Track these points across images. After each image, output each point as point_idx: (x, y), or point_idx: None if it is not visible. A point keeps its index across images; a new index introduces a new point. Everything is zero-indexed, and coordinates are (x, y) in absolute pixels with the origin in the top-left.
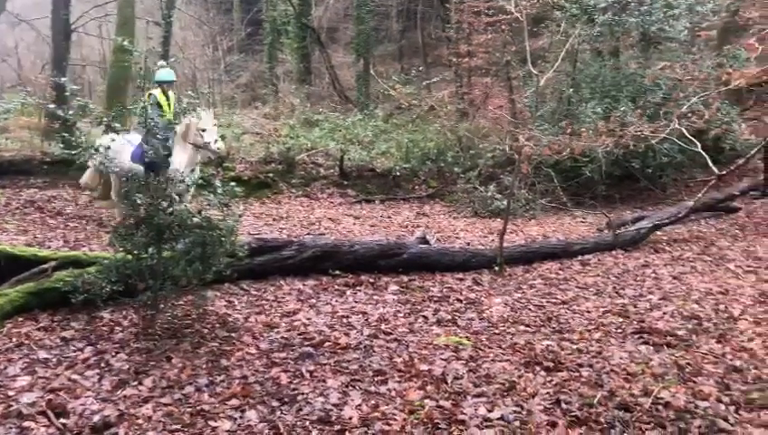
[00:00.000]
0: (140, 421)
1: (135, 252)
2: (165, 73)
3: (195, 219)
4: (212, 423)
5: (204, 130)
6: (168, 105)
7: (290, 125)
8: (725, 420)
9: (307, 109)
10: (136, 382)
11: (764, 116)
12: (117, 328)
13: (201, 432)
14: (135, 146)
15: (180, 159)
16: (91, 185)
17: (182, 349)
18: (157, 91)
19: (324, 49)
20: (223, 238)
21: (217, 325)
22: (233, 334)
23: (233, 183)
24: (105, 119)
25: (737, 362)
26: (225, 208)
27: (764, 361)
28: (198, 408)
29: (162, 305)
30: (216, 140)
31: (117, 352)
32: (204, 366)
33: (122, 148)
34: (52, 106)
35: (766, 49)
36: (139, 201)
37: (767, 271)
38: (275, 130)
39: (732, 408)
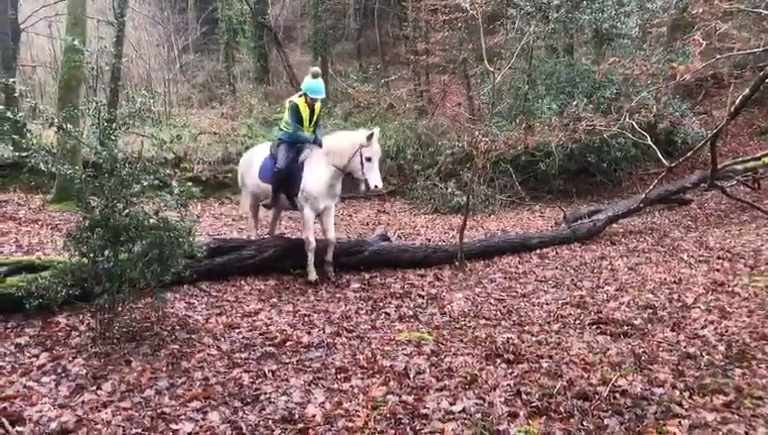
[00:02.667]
0: (99, 426)
1: (90, 255)
2: (312, 86)
3: (152, 220)
4: (173, 426)
5: (369, 160)
6: (310, 118)
7: (248, 125)
8: (680, 405)
9: (265, 108)
10: (94, 387)
11: (713, 110)
12: (74, 333)
13: None
14: (264, 160)
15: (316, 179)
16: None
17: (141, 352)
18: (298, 100)
19: (281, 48)
20: (181, 239)
21: (177, 327)
22: (193, 336)
23: (190, 183)
24: (56, 120)
25: (691, 349)
26: (182, 209)
27: (716, 347)
28: (159, 411)
29: (120, 309)
30: (376, 179)
31: (74, 358)
32: (164, 369)
33: (253, 161)
34: (0, 108)
35: (711, 44)
36: (93, 203)
37: (718, 260)
38: (233, 130)
39: (686, 393)
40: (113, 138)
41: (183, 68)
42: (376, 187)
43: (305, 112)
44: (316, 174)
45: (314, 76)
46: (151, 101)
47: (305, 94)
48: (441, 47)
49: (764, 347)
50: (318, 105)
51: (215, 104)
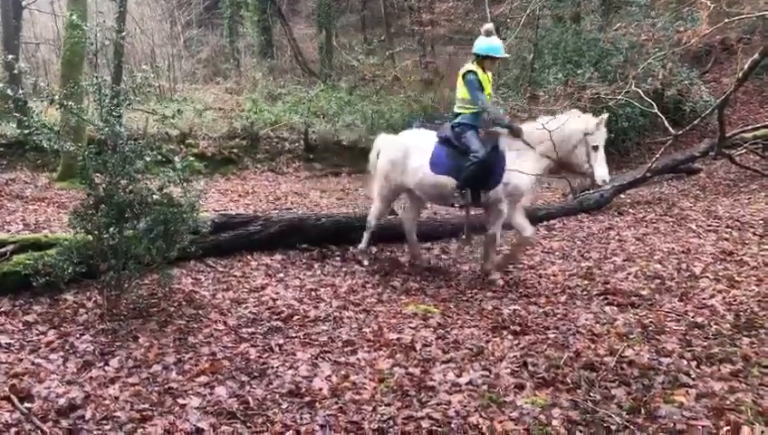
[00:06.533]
0: (107, 402)
1: (96, 232)
2: (493, 45)
3: (155, 196)
4: (181, 401)
5: (595, 149)
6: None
7: (253, 99)
8: (687, 374)
9: (270, 82)
10: (102, 364)
11: (723, 77)
12: (81, 310)
13: (170, 410)
14: (435, 148)
15: (529, 170)
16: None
17: (148, 328)
18: (475, 67)
19: (285, 21)
20: (185, 215)
21: (184, 303)
22: (200, 312)
23: (191, 158)
24: (57, 97)
25: (699, 319)
26: (185, 185)
27: (725, 317)
28: (167, 386)
29: (126, 285)
30: (605, 172)
31: (81, 334)
32: (171, 344)
33: (411, 150)
34: (1, 85)
35: (719, 8)
36: (97, 180)
37: (727, 229)
38: (238, 105)
39: (693, 363)
40: (115, 114)
41: (187, 43)
42: (604, 182)
43: (486, 82)
44: (524, 166)
45: (488, 34)
46: (152, 75)
47: (483, 58)
48: (447, 17)
49: None
50: (490, 74)
51: (219, 79)
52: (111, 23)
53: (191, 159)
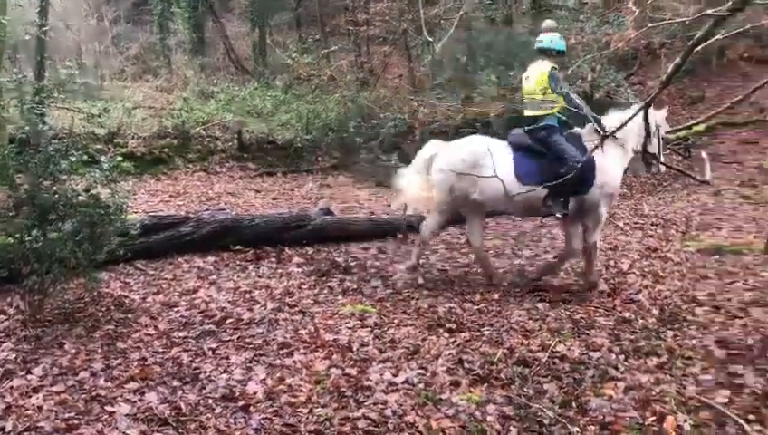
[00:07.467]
0: (30, 412)
1: (17, 235)
2: (561, 41)
3: (81, 198)
4: (109, 408)
5: (663, 139)
6: None
7: (184, 98)
8: (616, 368)
9: (202, 80)
10: (24, 372)
11: (648, 80)
12: (1, 317)
13: (98, 418)
14: (515, 157)
15: (618, 169)
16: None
17: (75, 334)
18: (553, 64)
19: (218, 18)
20: (113, 217)
21: (113, 307)
22: (129, 316)
23: (120, 158)
24: None
25: (626, 314)
26: (113, 185)
27: (650, 311)
28: (94, 393)
29: (51, 290)
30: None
31: (2, 342)
32: (99, 350)
33: (482, 162)
34: None
35: (643, 13)
36: (18, 181)
37: (652, 227)
38: (169, 104)
39: (622, 357)
40: (38, 111)
41: (115, 40)
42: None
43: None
44: (617, 163)
45: (553, 29)
46: (77, 72)
47: (554, 54)
48: (381, 18)
49: (695, 309)
50: None
51: (149, 77)
52: (33, 17)
53: (119, 158)
